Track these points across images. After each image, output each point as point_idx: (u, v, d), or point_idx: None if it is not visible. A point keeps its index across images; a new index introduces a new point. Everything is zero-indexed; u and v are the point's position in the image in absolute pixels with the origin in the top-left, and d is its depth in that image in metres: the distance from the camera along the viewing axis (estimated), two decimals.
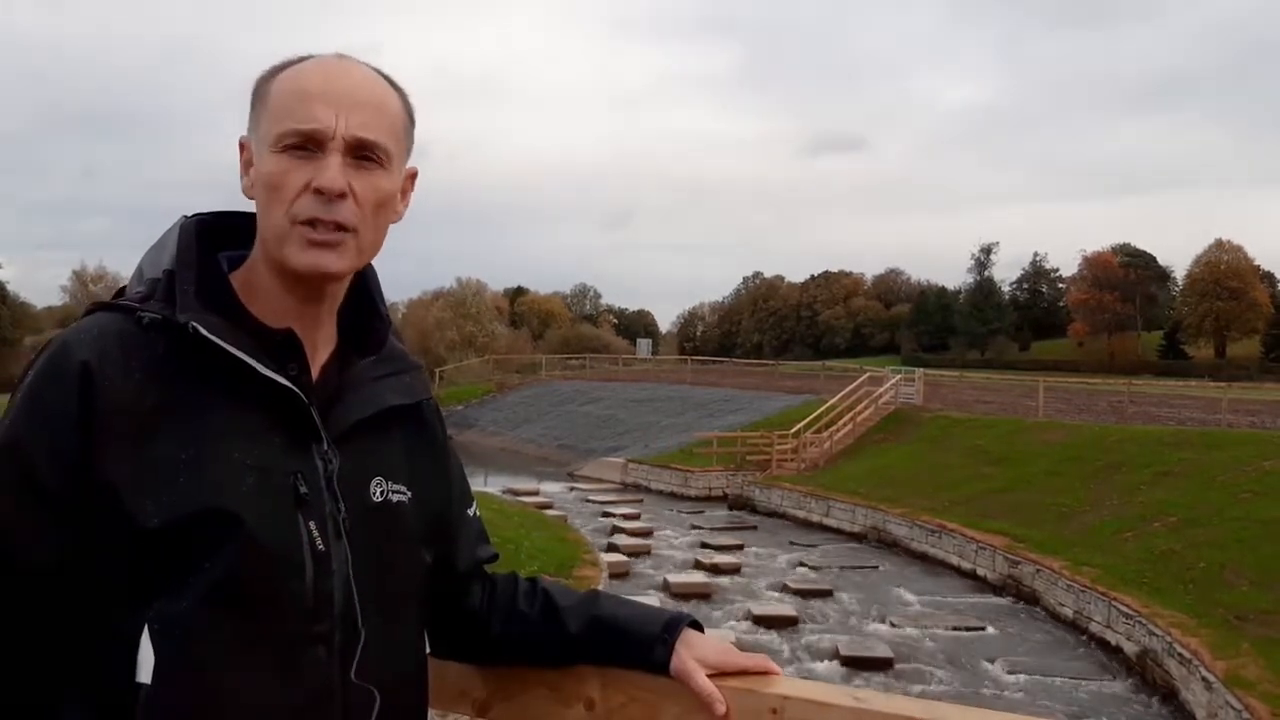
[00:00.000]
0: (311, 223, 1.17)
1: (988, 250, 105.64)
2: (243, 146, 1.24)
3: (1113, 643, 14.37)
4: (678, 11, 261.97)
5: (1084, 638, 15.09)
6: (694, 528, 23.29)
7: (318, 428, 1.20)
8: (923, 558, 20.32)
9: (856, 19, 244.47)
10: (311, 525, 1.16)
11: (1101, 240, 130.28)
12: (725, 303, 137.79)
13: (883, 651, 14.13)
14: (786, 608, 16.26)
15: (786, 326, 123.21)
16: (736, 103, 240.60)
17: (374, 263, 1.31)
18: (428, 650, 1.36)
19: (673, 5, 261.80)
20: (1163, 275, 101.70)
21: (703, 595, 17.01)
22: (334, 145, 1.17)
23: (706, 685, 1.29)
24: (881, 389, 31.98)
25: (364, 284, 1.33)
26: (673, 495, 28.28)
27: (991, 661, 14.13)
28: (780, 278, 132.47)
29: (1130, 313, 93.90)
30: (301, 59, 1.22)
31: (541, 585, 1.45)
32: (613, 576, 16.57)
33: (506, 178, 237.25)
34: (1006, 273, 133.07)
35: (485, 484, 28.68)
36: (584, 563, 16.00)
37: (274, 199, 1.17)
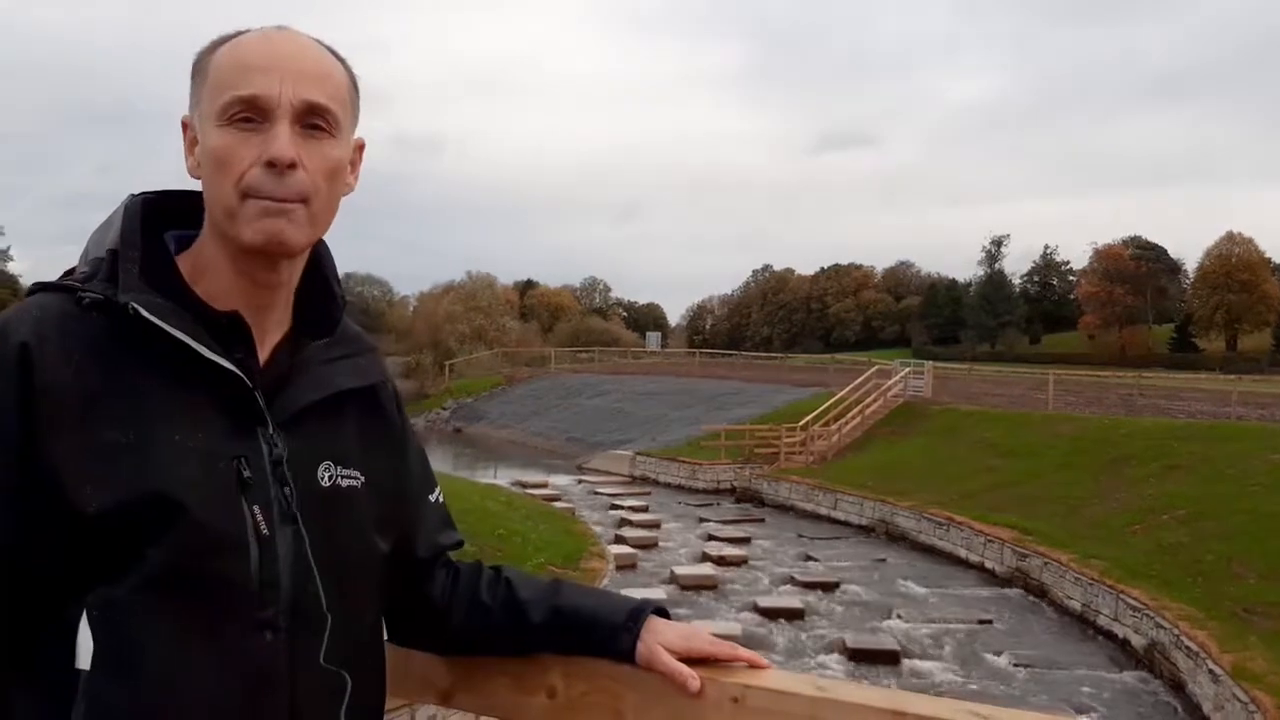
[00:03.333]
0: (263, 197, 1.14)
1: (998, 243, 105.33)
2: (185, 126, 1.22)
3: (1120, 635, 14.32)
4: (690, 7, 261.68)
5: (1092, 630, 15.04)
6: (701, 520, 23.25)
7: (262, 411, 1.18)
8: (931, 550, 20.27)
9: (867, 14, 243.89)
10: (256, 510, 1.14)
11: (1113, 233, 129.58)
12: (735, 296, 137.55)
13: (889, 644, 14.10)
14: (793, 600, 16.24)
15: (796, 319, 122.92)
16: (747, 98, 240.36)
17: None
18: (385, 638, 1.34)
19: (685, 1, 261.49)
20: (1174, 268, 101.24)
21: (710, 587, 16.99)
22: (281, 113, 1.14)
23: (675, 665, 1.28)
24: (890, 382, 31.91)
25: (318, 265, 1.30)
26: (680, 488, 28.23)
27: (998, 654, 14.09)
28: (790, 271, 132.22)
29: (1141, 306, 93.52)
30: (240, 32, 1.20)
31: (505, 575, 1.42)
32: (620, 568, 16.58)
33: (517, 171, 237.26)
34: (1017, 265, 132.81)
35: (495, 476, 28.72)
36: (591, 555, 15.99)
37: (222, 173, 1.15)
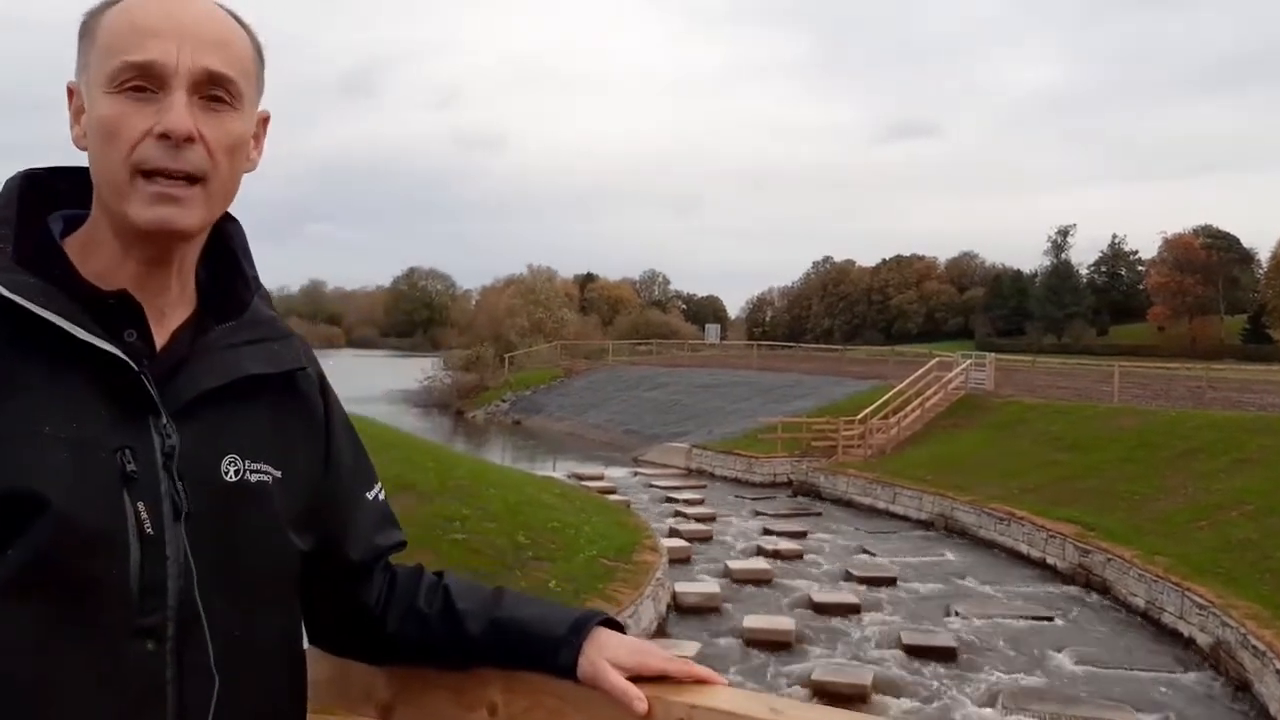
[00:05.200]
0: (156, 173, 1.05)
1: (1064, 232, 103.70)
2: (71, 92, 1.12)
3: (1185, 634, 13.97)
4: None
5: (1156, 629, 14.69)
6: (757, 514, 23.07)
7: (153, 399, 1.07)
8: (991, 546, 19.95)
9: (929, 3, 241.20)
10: (140, 506, 1.04)
11: (1183, 222, 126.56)
12: (795, 287, 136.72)
13: (946, 641, 13.86)
14: (849, 595, 16.03)
15: (857, 311, 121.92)
16: (809, 89, 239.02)
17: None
18: (305, 645, 1.25)
19: None
20: (1247, 257, 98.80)
21: (764, 581, 16.83)
22: (177, 82, 1.05)
23: (620, 683, 1.17)
24: (951, 374, 31.47)
25: (226, 242, 1.21)
26: (737, 481, 28.05)
27: (1059, 652, 13.80)
28: (851, 262, 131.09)
29: (1213, 296, 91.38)
30: None
31: (444, 582, 1.32)
32: (673, 562, 16.49)
33: (579, 165, 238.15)
34: (1084, 255, 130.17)
35: (552, 468, 28.77)
36: (644, 548, 15.88)
37: (111, 146, 1.05)
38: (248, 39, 1.14)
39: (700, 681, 1.19)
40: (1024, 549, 19.04)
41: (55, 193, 1.16)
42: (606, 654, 1.20)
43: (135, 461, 1.05)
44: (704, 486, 26.83)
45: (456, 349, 60.06)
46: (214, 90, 1.08)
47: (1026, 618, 15.32)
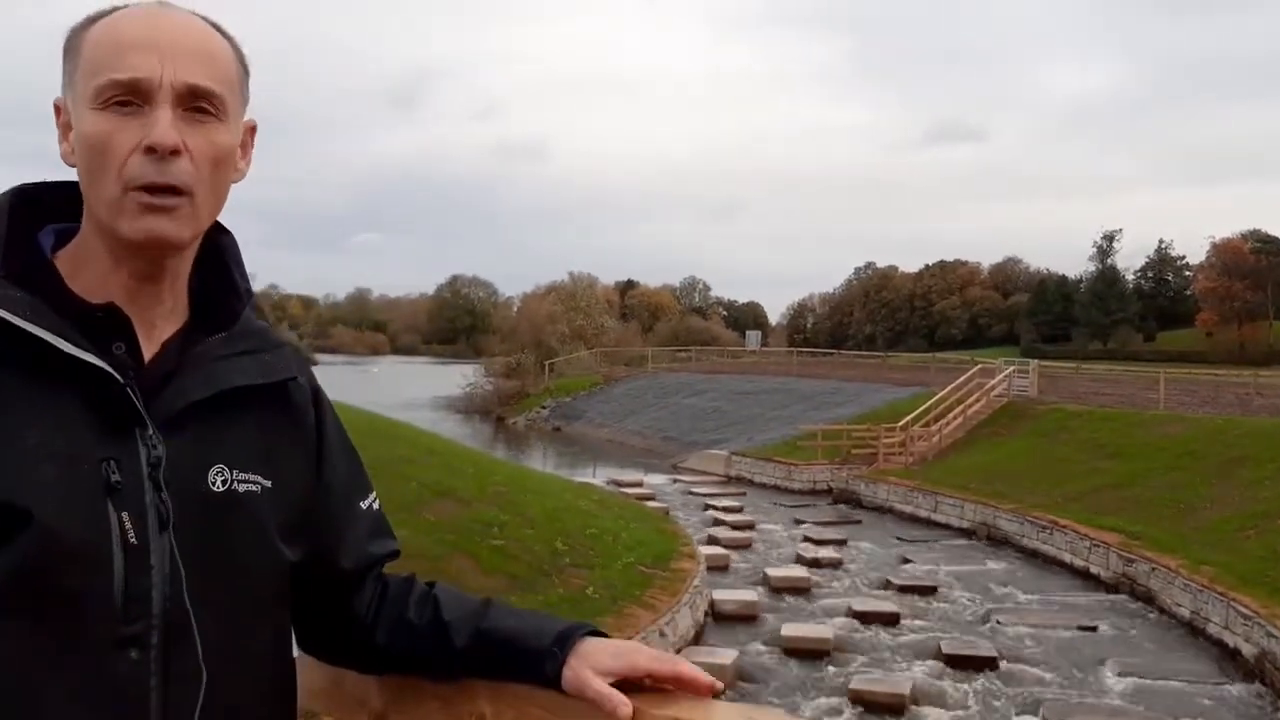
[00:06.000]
0: (145, 188, 1.06)
1: (1110, 238, 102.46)
2: (58, 109, 1.14)
3: (1231, 644, 13.75)
4: (791, 2, 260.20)
5: (1200, 639, 14.47)
6: (797, 522, 22.96)
7: (139, 410, 1.08)
8: (1034, 555, 19.74)
9: (973, 5, 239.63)
10: (124, 517, 1.04)
11: (1231, 226, 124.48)
12: (836, 294, 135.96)
13: (988, 650, 13.72)
14: (889, 604, 15.92)
15: (900, 318, 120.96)
16: (850, 94, 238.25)
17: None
18: (295, 653, 1.25)
19: None
20: None
21: (803, 590, 16.76)
22: (162, 97, 1.06)
23: (602, 689, 1.16)
24: (994, 381, 31.18)
25: (220, 255, 1.22)
26: (776, 489, 27.93)
27: (1102, 663, 13.63)
28: (893, 268, 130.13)
29: (1262, 301, 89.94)
30: (116, 8, 1.11)
31: (434, 593, 1.32)
32: (711, 569, 16.44)
33: (619, 172, 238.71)
34: (1130, 261, 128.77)
35: (592, 475, 28.79)
36: (682, 555, 15.86)
37: (101, 163, 1.07)
38: (231, 51, 1.15)
39: (681, 679, 1.18)
40: (1067, 558, 18.83)
41: (47, 207, 1.17)
42: (590, 662, 1.19)
43: (120, 472, 1.05)
44: (743, 494, 26.77)
45: (498, 356, 60.37)
46: (198, 103, 1.09)
47: (1069, 627, 15.15)
